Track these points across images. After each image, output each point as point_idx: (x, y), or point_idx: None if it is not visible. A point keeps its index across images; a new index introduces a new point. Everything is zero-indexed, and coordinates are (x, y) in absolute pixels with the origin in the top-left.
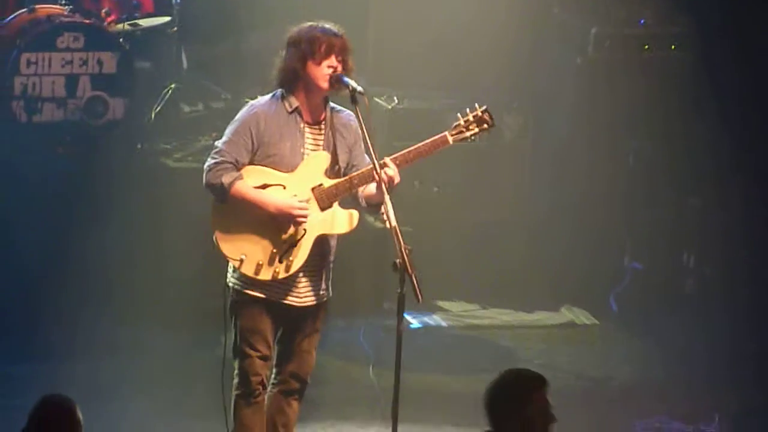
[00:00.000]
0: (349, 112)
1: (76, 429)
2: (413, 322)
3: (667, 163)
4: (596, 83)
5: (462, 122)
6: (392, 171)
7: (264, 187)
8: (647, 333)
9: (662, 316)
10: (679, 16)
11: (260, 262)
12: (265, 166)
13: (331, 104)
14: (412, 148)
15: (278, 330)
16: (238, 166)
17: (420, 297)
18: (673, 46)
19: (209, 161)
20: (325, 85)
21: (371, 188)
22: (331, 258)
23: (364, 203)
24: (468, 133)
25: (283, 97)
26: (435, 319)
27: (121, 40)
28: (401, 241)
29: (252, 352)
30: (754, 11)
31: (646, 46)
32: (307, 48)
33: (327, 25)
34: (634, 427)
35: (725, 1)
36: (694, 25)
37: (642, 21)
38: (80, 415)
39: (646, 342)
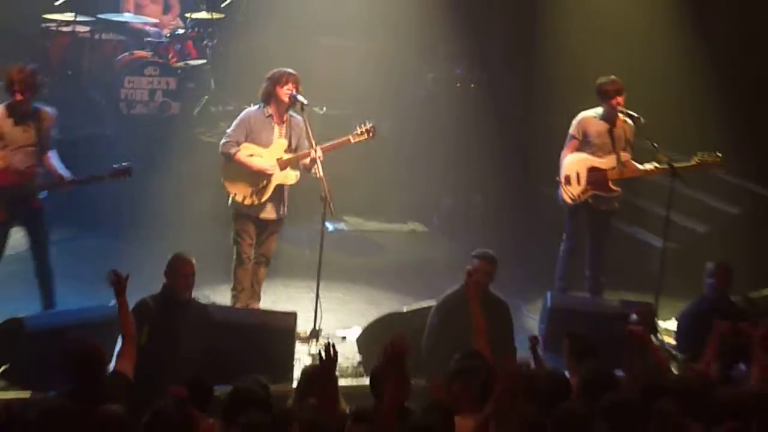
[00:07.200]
0: (299, 117)
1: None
2: (330, 227)
3: (468, 155)
4: (432, 106)
5: (359, 131)
6: (320, 153)
7: (251, 156)
8: (452, 238)
9: (461, 229)
10: (478, 68)
11: (245, 195)
12: (252, 144)
13: (290, 113)
14: (328, 144)
15: (257, 232)
16: (238, 144)
17: (332, 212)
18: (473, 85)
19: (224, 140)
20: (286, 100)
21: (307, 161)
22: (285, 195)
23: (302, 168)
24: (362, 138)
25: (263, 107)
26: (341, 226)
27: (179, 71)
28: (325, 184)
29: (242, 241)
30: (517, 64)
31: (458, 84)
32: (277, 80)
33: (286, 69)
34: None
35: (505, 56)
36: (486, 73)
37: (458, 71)
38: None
39: (450, 241)
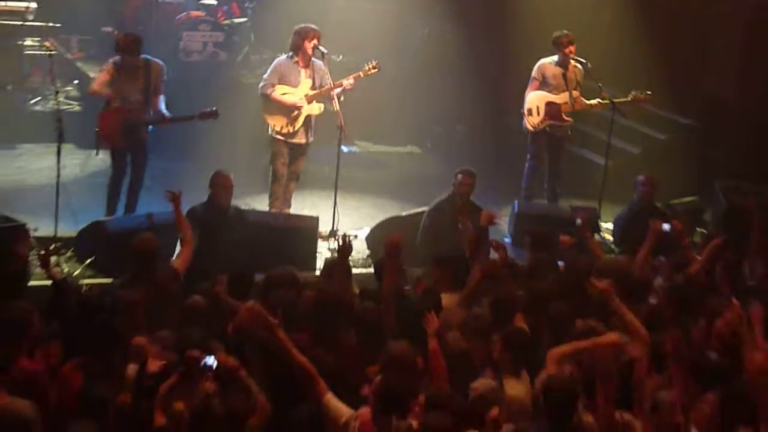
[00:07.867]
0: (320, 62)
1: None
2: (345, 149)
3: (453, 93)
4: (427, 53)
5: (367, 67)
6: (351, 81)
7: (284, 94)
8: (440, 158)
9: (447, 151)
10: (457, 25)
11: (282, 126)
12: (284, 85)
13: (312, 59)
14: (348, 78)
15: (289, 154)
16: (274, 85)
17: (347, 138)
18: (449, 36)
19: (261, 83)
20: (310, 52)
21: (338, 90)
22: (312, 124)
23: (330, 98)
24: (370, 72)
25: (292, 56)
26: (353, 149)
27: (226, 27)
28: (341, 115)
29: (278, 161)
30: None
31: (449, 36)
32: (305, 35)
33: (311, 25)
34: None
35: (482, 14)
36: (462, 29)
37: (446, 27)
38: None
39: (440, 160)
